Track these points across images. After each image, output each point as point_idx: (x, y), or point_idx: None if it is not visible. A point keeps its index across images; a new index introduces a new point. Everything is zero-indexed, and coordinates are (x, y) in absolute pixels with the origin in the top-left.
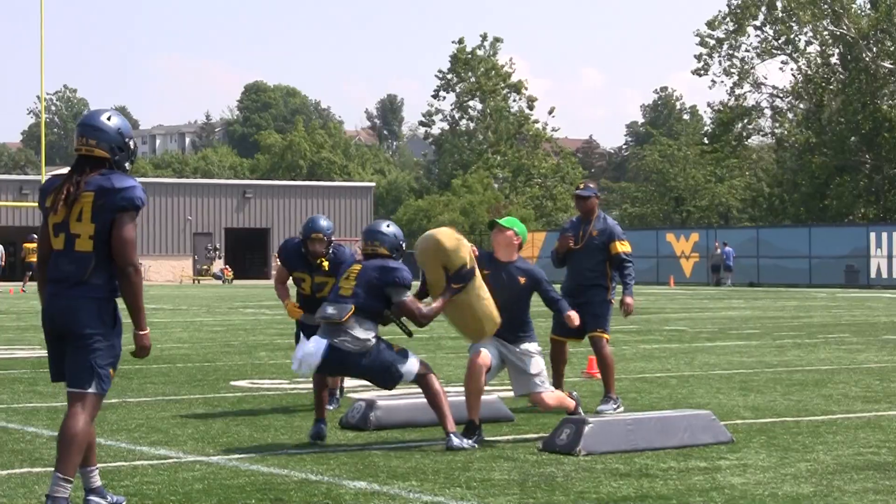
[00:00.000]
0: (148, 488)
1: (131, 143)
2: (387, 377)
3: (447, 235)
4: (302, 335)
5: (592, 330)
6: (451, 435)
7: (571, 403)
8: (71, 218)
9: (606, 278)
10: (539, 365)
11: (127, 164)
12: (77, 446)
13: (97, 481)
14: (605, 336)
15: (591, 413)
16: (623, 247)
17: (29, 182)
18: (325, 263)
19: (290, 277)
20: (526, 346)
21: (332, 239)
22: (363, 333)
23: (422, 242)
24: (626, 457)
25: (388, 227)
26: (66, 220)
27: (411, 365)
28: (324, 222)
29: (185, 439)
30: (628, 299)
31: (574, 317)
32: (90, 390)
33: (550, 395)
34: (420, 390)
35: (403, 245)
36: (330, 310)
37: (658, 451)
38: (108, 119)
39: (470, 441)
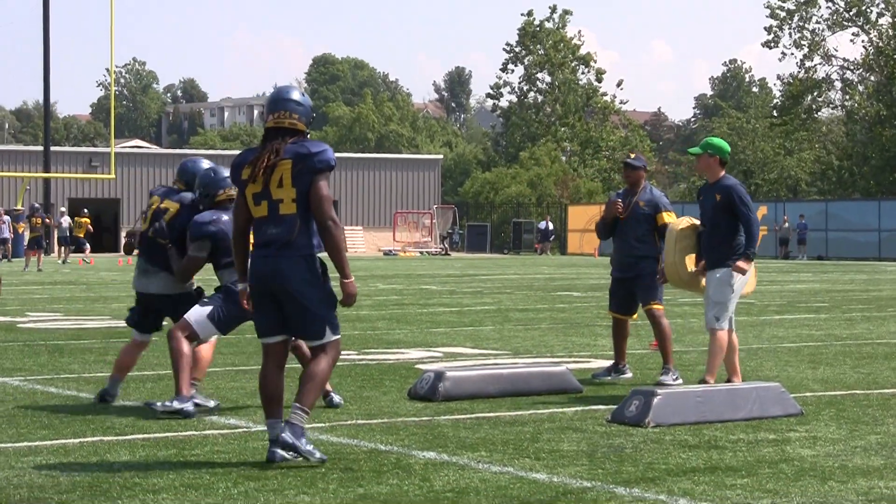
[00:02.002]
0: (218, 457)
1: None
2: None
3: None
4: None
5: (647, 303)
6: (176, 399)
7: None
8: (271, 185)
9: (655, 249)
10: (719, 295)
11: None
12: (319, 383)
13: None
14: (660, 307)
15: (653, 384)
16: (670, 217)
17: (98, 154)
18: None
19: None
20: (715, 271)
21: None
22: None
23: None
24: (695, 429)
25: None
26: (266, 188)
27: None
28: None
29: (255, 409)
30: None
31: (743, 266)
32: (327, 339)
33: (722, 335)
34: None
35: None
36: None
37: (727, 423)
38: (302, 95)
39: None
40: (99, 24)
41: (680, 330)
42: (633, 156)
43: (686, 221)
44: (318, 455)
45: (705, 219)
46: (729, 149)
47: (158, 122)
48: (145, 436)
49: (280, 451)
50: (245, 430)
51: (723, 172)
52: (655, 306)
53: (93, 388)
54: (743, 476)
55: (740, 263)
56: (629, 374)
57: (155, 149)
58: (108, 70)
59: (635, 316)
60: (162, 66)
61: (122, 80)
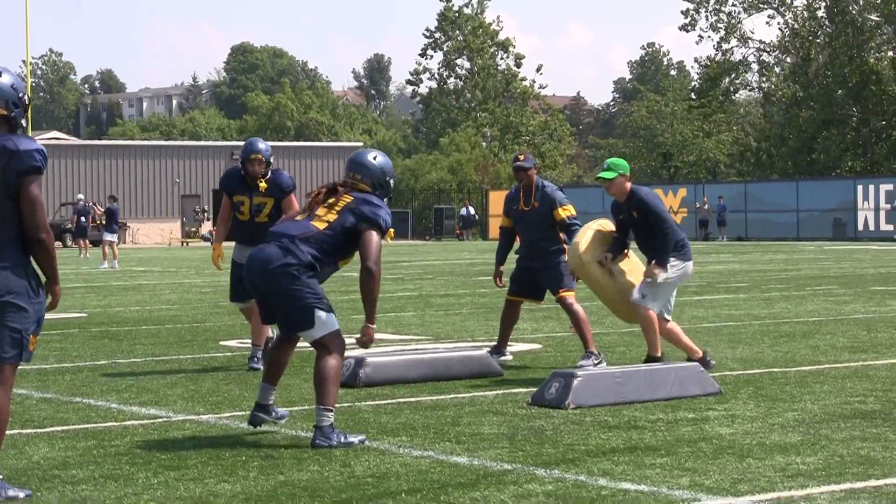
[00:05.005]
0: (138, 447)
1: (391, 182)
2: None
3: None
4: None
5: (557, 292)
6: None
7: (656, 337)
8: (321, 205)
9: (559, 241)
10: (652, 278)
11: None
12: (330, 379)
13: (271, 399)
14: (571, 293)
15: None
16: (566, 212)
17: None
18: (263, 184)
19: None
20: (651, 266)
21: (271, 161)
22: None
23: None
24: (614, 409)
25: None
26: (314, 208)
27: None
28: (262, 144)
29: (175, 399)
30: None
31: (654, 272)
32: (320, 332)
33: (644, 312)
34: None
35: None
36: None
37: (647, 404)
38: (374, 159)
39: None
40: (14, 15)
41: (600, 312)
42: (522, 158)
43: (603, 228)
44: (356, 440)
45: (626, 234)
46: (627, 168)
47: (76, 113)
48: (64, 428)
49: (260, 414)
50: (165, 419)
51: (629, 187)
52: (566, 293)
53: None
54: (662, 455)
55: (654, 269)
56: (509, 357)
57: (73, 140)
58: (24, 61)
59: (541, 302)
60: (79, 57)
61: (39, 72)
